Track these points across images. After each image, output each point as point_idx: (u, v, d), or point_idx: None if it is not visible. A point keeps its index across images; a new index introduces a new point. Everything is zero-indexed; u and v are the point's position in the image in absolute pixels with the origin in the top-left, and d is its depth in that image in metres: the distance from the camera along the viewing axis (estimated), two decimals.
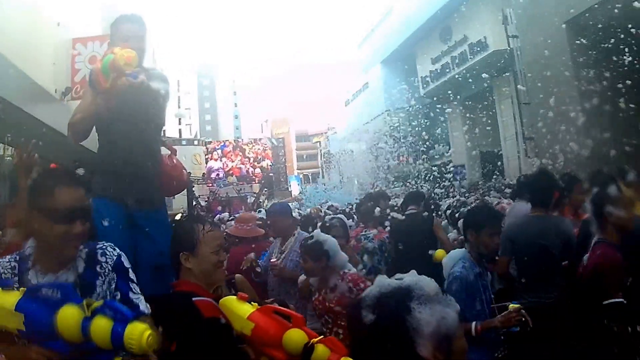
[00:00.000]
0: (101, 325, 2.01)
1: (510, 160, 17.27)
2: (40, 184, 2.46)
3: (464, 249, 4.16)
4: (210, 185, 44.19)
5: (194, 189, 38.01)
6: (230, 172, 48.18)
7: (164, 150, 3.80)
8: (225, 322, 2.69)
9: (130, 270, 2.56)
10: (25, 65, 9.82)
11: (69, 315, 2.05)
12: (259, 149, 49.47)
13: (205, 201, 34.03)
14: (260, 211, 12.78)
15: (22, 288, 2.22)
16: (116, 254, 2.54)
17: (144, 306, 2.49)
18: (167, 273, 3.00)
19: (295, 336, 2.54)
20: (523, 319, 3.53)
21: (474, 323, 3.68)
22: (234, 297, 2.81)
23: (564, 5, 12.73)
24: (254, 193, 43.10)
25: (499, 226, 4.08)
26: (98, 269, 2.46)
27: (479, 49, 19.46)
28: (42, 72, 11.09)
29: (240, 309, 2.72)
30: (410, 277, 1.79)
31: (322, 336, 2.52)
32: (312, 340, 2.49)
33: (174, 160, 3.71)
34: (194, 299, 2.74)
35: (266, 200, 37.61)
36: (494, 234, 3.97)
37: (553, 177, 5.05)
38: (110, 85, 3.05)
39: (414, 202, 7.23)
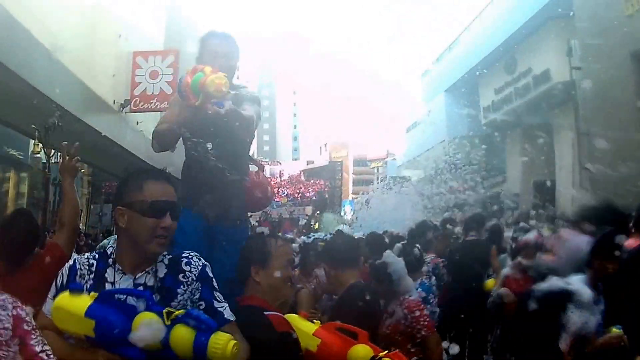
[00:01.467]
0: (183, 335, 2.03)
1: (564, 191, 17.19)
2: (129, 179, 2.49)
3: (583, 275, 3.87)
4: None
5: None
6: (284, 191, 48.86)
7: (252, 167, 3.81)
8: (296, 337, 2.70)
9: (214, 279, 2.53)
10: (85, 75, 10.27)
11: (148, 323, 2.05)
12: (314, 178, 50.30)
13: (257, 221, 34.12)
14: (309, 235, 12.79)
15: (92, 293, 2.22)
16: (201, 264, 2.51)
17: (229, 314, 2.48)
18: (235, 289, 2.96)
19: (362, 351, 2.60)
20: (623, 343, 3.43)
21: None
22: (296, 315, 2.87)
23: (630, 37, 12.78)
24: (307, 215, 43.40)
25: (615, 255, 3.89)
26: (181, 277, 2.43)
27: (542, 80, 19.49)
28: (101, 84, 11.45)
29: (305, 326, 2.78)
30: (577, 284, 1.95)
31: (387, 351, 2.59)
32: (379, 354, 2.55)
33: (260, 176, 3.73)
34: (265, 313, 2.75)
35: (317, 223, 37.85)
36: (613, 261, 3.82)
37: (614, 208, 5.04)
38: (199, 104, 3.04)
39: (475, 228, 7.48)
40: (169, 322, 2.05)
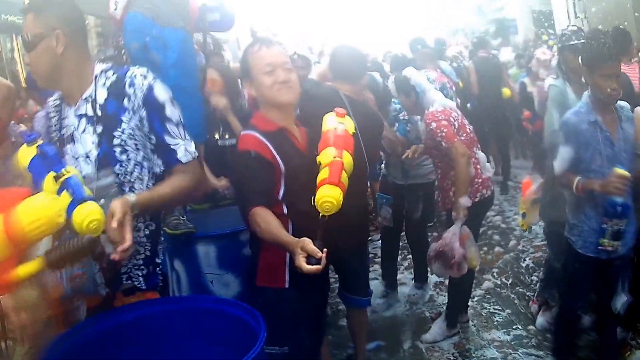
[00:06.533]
0: (64, 202, 1.80)
1: (560, 19, 16.95)
2: None
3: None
4: None
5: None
6: None
7: None
8: (257, 155, 2.34)
9: (167, 105, 2.05)
10: None
11: (49, 184, 1.84)
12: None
13: None
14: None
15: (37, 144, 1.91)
16: (147, 84, 2.01)
17: (182, 154, 2.07)
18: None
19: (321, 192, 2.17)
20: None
21: (577, 178, 3.00)
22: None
23: None
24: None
25: (617, 67, 3.00)
26: (126, 102, 2.00)
27: None
28: None
29: (326, 155, 2.28)
30: None
31: (336, 158, 2.22)
32: (319, 161, 2.25)
33: None
34: (242, 132, 2.54)
35: None
36: (612, 76, 2.92)
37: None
38: None
39: (482, 47, 8.32)
40: (57, 186, 1.82)
